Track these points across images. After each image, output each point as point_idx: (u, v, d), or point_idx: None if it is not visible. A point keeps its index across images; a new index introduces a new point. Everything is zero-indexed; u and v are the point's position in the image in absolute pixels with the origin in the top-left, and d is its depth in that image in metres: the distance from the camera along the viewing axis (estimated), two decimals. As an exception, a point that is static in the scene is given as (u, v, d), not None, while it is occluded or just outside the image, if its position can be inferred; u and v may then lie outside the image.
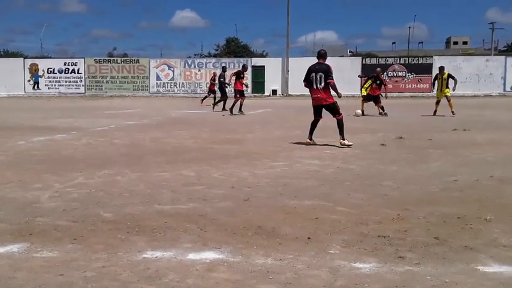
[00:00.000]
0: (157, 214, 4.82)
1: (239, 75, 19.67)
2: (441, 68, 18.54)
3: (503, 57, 43.19)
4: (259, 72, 40.44)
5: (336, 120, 9.91)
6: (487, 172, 6.85)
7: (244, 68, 20.81)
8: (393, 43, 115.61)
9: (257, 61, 42.33)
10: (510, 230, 4.22)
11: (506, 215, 4.73)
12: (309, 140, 10.00)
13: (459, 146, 9.68)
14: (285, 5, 41.22)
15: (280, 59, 41.41)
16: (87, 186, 6.10)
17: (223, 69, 23.57)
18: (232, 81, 20.16)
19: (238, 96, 19.58)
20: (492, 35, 77.58)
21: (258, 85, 40.37)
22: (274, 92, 40.43)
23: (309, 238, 4.05)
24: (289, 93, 39.50)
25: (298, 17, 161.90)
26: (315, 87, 9.97)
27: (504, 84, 40.25)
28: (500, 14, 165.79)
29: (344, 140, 9.68)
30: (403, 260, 3.56)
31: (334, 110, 9.94)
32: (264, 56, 53.24)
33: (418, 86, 39.17)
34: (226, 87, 22.26)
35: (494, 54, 58.96)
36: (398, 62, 40.22)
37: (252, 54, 52.71)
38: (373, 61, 40.31)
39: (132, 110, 22.69)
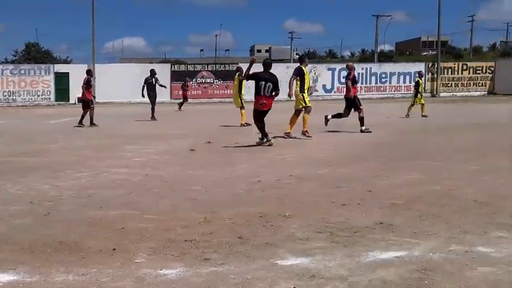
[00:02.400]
0: None
1: (89, 83, 16.99)
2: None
3: (297, 64, 46.72)
4: (63, 79, 38.23)
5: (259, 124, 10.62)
6: (287, 171, 7.32)
7: (89, 73, 17.56)
8: (201, 50, 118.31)
9: (60, 68, 39.99)
10: (306, 225, 4.55)
11: (303, 210, 5.09)
12: (272, 141, 10.56)
13: (262, 148, 10.23)
14: (90, 10, 39.76)
15: (86, 65, 39.78)
16: None
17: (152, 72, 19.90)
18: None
19: (92, 106, 16.86)
20: (291, 44, 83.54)
21: (62, 93, 38.14)
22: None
23: (114, 249, 3.92)
24: (96, 101, 38.05)
25: (104, 23, 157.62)
26: (262, 93, 10.44)
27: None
28: (297, 24, 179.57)
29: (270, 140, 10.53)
30: (208, 261, 3.63)
31: (265, 115, 10.65)
32: (68, 62, 50.70)
33: (226, 92, 40.58)
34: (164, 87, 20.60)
35: (294, 62, 63.58)
36: (206, 68, 41.24)
37: (55, 61, 49.83)
38: (182, 67, 40.78)
39: None
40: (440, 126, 14.64)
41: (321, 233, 4.29)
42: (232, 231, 4.38)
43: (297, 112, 12.42)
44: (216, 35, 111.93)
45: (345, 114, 13.68)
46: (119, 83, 35.84)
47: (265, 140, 10.50)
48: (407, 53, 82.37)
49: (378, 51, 69.18)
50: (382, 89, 45.68)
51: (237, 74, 16.17)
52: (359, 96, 13.97)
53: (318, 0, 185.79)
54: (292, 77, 12.44)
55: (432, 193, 5.78)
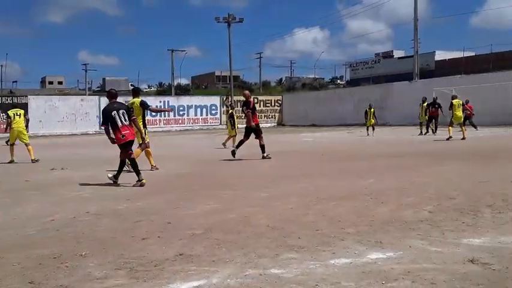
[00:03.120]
0: None
1: None
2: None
3: (97, 97, 45.69)
4: None
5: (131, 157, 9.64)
6: (83, 208, 7.01)
7: None
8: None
9: None
10: (104, 262, 4.39)
11: (101, 248, 4.91)
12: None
13: (57, 185, 9.68)
14: None
15: None
16: None
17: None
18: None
19: None
20: (86, 76, 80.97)
21: None
22: None
23: None
24: None
25: None
26: (120, 124, 9.41)
27: (99, 122, 42.48)
28: (91, 56, 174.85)
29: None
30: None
31: (131, 145, 9.75)
32: None
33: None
34: None
35: (89, 94, 61.69)
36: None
37: None
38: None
39: None
40: (237, 156, 15.38)
41: (120, 270, 4.17)
42: (22, 277, 4.03)
43: (146, 146, 11.91)
44: (2, 66, 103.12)
45: (245, 140, 14.26)
46: None
47: (138, 179, 9.33)
48: (203, 86, 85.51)
49: (175, 84, 70.63)
50: (180, 121, 46.59)
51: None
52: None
53: (111, 33, 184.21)
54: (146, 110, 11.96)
55: (229, 221, 6.02)
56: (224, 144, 19.83)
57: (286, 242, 4.94)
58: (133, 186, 9.22)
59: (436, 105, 25.02)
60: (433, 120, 24.95)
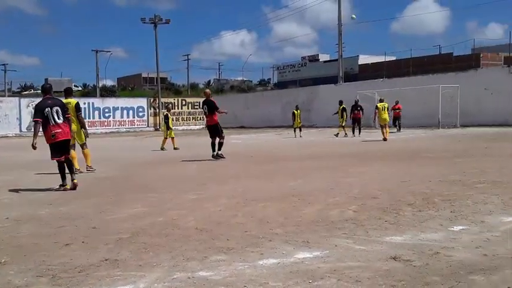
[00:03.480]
0: None
1: None
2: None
3: (17, 98, 43.86)
4: None
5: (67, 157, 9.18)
6: (2, 214, 6.70)
7: None
8: None
9: None
10: (25, 270, 4.21)
11: (22, 254, 4.70)
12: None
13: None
14: None
15: None
16: None
17: None
18: None
19: None
20: (5, 76, 77.63)
21: None
22: None
23: None
24: None
25: None
26: (52, 122, 8.87)
27: (20, 124, 40.79)
28: (11, 56, 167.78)
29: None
30: None
31: (65, 146, 9.18)
32: None
33: None
34: None
35: (9, 96, 59.11)
36: None
37: None
38: None
39: None
40: (165, 159, 15.20)
41: (42, 277, 4.01)
42: None
43: (83, 146, 11.52)
44: None
45: (214, 140, 14.06)
46: None
47: (62, 183, 9.00)
48: (130, 88, 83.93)
49: (100, 85, 68.94)
50: (106, 123, 45.57)
51: None
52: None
53: (33, 32, 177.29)
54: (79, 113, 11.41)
55: (157, 224, 5.92)
56: (162, 147, 19.50)
57: (214, 244, 4.92)
58: (55, 190, 8.91)
59: (359, 108, 25.74)
60: (356, 123, 25.61)
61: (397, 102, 27.52)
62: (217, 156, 13.85)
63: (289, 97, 42.81)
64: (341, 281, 3.75)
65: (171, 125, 20.09)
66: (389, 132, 21.46)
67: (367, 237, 4.99)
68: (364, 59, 70.23)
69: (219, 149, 13.98)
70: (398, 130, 26.78)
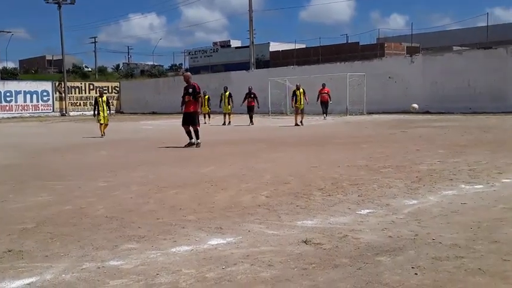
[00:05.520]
0: None
1: None
2: None
3: None
4: None
5: None
6: None
7: None
8: None
9: None
10: None
11: None
12: None
13: None
14: None
15: None
16: None
17: None
18: None
19: None
20: None
21: None
22: None
23: None
24: None
25: None
26: None
27: None
28: None
29: None
30: None
31: None
32: None
33: None
34: None
35: None
36: None
37: None
38: None
39: None
40: (73, 144, 14.63)
41: None
42: None
43: None
44: None
45: (186, 128, 13.44)
46: None
47: None
48: (33, 71, 79.85)
49: (1, 68, 65.08)
50: (8, 108, 43.26)
51: None
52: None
53: None
54: None
55: (64, 213, 5.70)
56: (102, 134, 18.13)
57: (125, 232, 4.80)
58: None
59: (252, 95, 25.25)
60: (250, 111, 24.91)
61: (324, 86, 26.57)
62: (197, 145, 13.23)
63: (202, 83, 42.36)
64: (254, 265, 3.78)
65: (101, 111, 18.59)
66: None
67: (280, 222, 5.06)
68: (275, 46, 71.15)
69: (197, 137, 13.34)
70: (325, 116, 26.24)
